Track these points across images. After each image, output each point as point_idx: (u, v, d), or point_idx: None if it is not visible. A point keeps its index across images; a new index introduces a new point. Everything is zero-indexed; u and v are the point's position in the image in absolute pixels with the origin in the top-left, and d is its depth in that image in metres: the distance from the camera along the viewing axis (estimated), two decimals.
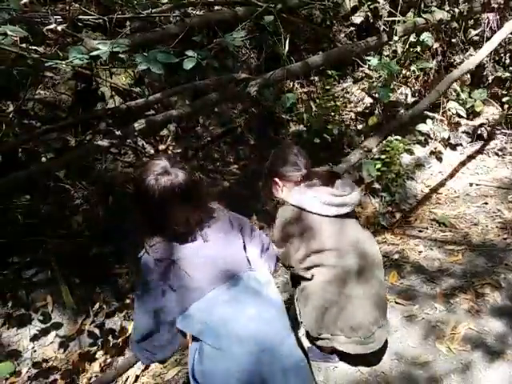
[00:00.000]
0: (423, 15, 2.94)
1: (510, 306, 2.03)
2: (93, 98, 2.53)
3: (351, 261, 1.57)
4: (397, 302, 2.17)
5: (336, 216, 1.55)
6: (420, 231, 2.87)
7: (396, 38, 2.74)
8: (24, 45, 1.86)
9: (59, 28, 1.62)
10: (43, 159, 2.30)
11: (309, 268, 1.59)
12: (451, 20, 3.13)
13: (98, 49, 1.72)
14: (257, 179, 3.12)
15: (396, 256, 2.58)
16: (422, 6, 3.63)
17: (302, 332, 1.96)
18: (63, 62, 1.65)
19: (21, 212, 2.27)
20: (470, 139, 3.67)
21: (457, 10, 3.07)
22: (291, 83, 3.62)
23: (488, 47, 2.99)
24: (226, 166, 3.18)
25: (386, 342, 1.79)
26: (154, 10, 2.15)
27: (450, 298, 2.13)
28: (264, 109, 3.37)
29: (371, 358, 1.78)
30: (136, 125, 2.13)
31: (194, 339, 1.22)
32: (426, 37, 3.22)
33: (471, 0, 3.35)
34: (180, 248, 1.24)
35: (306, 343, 1.94)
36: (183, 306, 1.22)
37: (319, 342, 1.69)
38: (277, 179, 1.64)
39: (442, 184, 3.35)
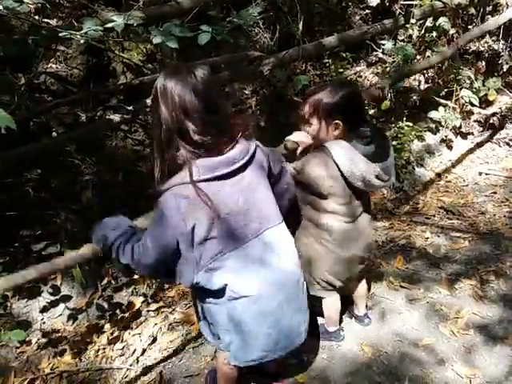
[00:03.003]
0: None
1: None
2: (104, 73, 2.51)
3: None
4: (401, 286, 2.19)
5: None
6: (427, 218, 2.87)
7: (413, 21, 2.68)
8: (36, 17, 1.86)
9: None
10: (54, 133, 2.31)
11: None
12: (469, 5, 3.06)
13: (113, 21, 1.71)
14: None
15: (402, 241, 2.59)
16: None
17: None
18: (78, 33, 1.64)
19: (31, 186, 2.30)
20: (481, 128, 3.64)
21: None
22: (304, 65, 3.58)
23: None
24: None
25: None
26: None
27: (455, 283, 2.15)
28: (276, 90, 3.34)
29: (375, 336, 1.81)
30: (148, 100, 2.13)
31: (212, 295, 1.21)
32: (442, 21, 3.17)
33: None
34: (213, 188, 1.10)
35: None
36: (206, 257, 1.15)
37: (323, 293, 1.73)
38: (340, 122, 1.46)
39: (451, 172, 3.33)
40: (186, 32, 1.81)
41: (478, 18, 3.74)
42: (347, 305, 1.96)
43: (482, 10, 3.61)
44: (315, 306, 1.75)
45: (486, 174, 3.25)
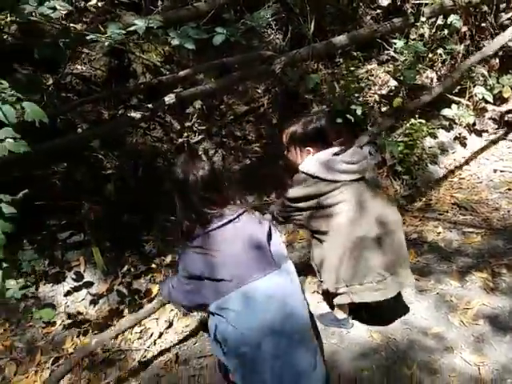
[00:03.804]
0: None
1: None
2: (125, 73, 2.65)
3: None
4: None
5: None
6: (440, 214, 2.89)
7: (423, 20, 2.72)
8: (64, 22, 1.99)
9: (99, 4, 1.72)
10: (79, 130, 2.45)
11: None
12: (481, 3, 3.08)
13: (135, 24, 1.83)
14: (278, 158, 3.21)
15: (414, 236, 2.63)
16: None
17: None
18: (103, 36, 1.77)
19: (58, 178, 2.44)
20: (496, 125, 3.62)
21: None
22: (315, 64, 3.65)
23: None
24: (248, 144, 3.26)
25: (400, 297, 1.93)
26: None
27: (466, 275, 2.18)
28: (287, 89, 3.42)
29: (383, 325, 1.86)
30: (166, 99, 2.25)
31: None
32: (453, 19, 3.19)
33: None
34: (216, 240, 1.37)
35: (320, 310, 2.05)
36: (218, 294, 1.36)
37: (338, 299, 1.77)
38: (310, 148, 1.74)
39: (464, 169, 3.33)
40: (201, 34, 1.92)
41: (491, 15, 3.74)
42: None
43: (494, 7, 3.61)
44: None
45: (501, 171, 3.24)
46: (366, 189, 1.73)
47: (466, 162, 3.38)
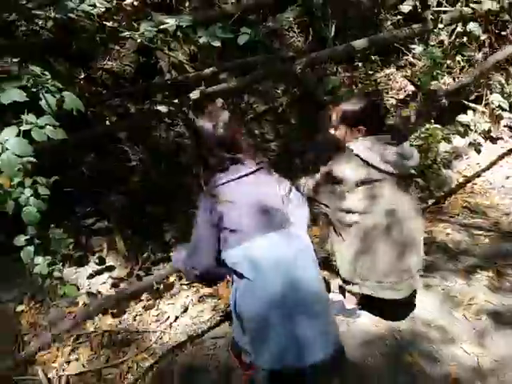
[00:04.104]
0: (471, 5, 2.97)
1: None
2: (152, 70, 2.80)
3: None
4: (419, 275, 2.30)
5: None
6: (451, 217, 2.95)
7: (441, 26, 2.80)
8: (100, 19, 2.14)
9: (136, 3, 1.87)
10: (107, 122, 2.60)
11: None
12: (500, 11, 3.13)
13: (166, 23, 1.97)
14: (294, 156, 3.31)
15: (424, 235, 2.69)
16: None
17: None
18: (136, 33, 1.91)
19: (86, 167, 2.60)
20: (511, 133, 3.66)
21: (507, 1, 3.07)
22: (335, 67, 3.75)
23: None
24: (266, 142, 3.38)
25: (415, 294, 1.98)
26: None
27: (471, 274, 2.25)
28: (307, 90, 3.52)
29: (389, 316, 1.95)
30: (191, 94, 2.38)
31: (235, 280, 1.43)
32: (473, 27, 3.24)
33: None
34: (232, 191, 1.40)
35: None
36: (230, 243, 1.39)
37: (350, 287, 1.88)
38: (362, 127, 1.72)
39: (478, 175, 3.38)
40: (227, 33, 2.04)
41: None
42: None
43: None
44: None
45: None
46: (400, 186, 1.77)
47: (480, 168, 3.43)
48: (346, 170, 1.70)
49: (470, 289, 2.15)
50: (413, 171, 1.84)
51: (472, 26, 3.23)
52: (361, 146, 1.68)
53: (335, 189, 1.74)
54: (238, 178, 1.42)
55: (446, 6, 3.35)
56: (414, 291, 1.95)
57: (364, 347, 1.86)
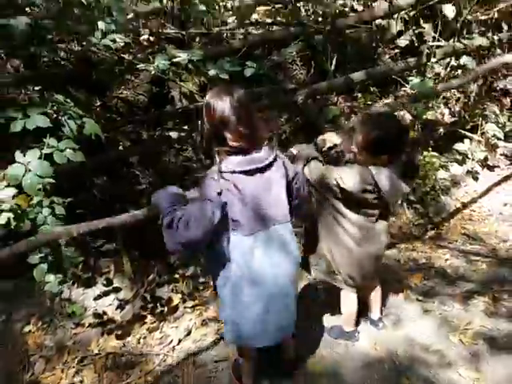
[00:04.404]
0: (463, 41, 3.15)
1: None
2: (164, 99, 2.97)
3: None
4: (418, 299, 2.36)
5: None
6: (450, 243, 3.02)
7: (434, 60, 2.96)
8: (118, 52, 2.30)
9: (151, 38, 2.03)
10: (121, 147, 2.74)
11: None
12: (491, 46, 3.30)
13: (178, 56, 2.13)
14: None
15: (423, 261, 2.77)
16: (465, 32, 3.85)
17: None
18: (151, 66, 2.07)
19: (98, 189, 2.70)
20: (508, 162, 3.77)
21: (496, 38, 3.24)
22: (336, 98, 3.92)
23: None
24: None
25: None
26: (222, 28, 2.54)
27: (469, 299, 2.31)
28: (309, 119, 3.68)
29: (388, 340, 2.01)
30: (200, 121, 2.52)
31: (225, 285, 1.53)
32: (466, 60, 3.40)
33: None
34: (237, 181, 1.38)
35: (330, 324, 2.20)
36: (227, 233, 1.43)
37: (343, 285, 1.95)
38: (385, 157, 1.64)
39: (476, 202, 3.47)
40: (234, 67, 2.20)
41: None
42: (364, 310, 2.16)
43: (507, 49, 3.82)
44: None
45: (511, 205, 3.36)
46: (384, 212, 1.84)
47: (478, 195, 3.52)
48: (350, 179, 1.66)
49: (467, 314, 2.20)
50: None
51: (465, 60, 3.39)
52: (378, 172, 1.65)
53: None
54: (253, 171, 1.39)
55: (440, 41, 3.53)
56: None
57: (363, 370, 1.91)
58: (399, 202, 1.78)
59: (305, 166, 1.74)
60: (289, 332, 1.71)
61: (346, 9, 4.20)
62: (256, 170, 1.40)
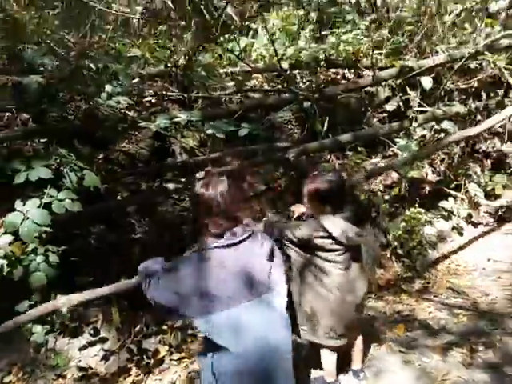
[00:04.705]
0: (442, 108, 3.47)
1: (498, 363, 2.26)
2: (165, 154, 3.22)
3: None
4: (400, 351, 2.45)
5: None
6: (435, 296, 3.12)
7: (415, 125, 3.25)
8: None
9: (153, 100, 2.32)
10: (119, 197, 2.91)
11: None
12: (469, 113, 3.62)
13: (179, 117, 2.41)
14: None
15: (407, 313, 2.86)
16: (447, 99, 4.22)
17: None
18: (153, 124, 2.33)
19: (94, 238, 2.77)
20: (492, 219, 3.95)
21: (473, 106, 3.57)
22: (329, 155, 4.20)
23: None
24: (265, 217, 3.68)
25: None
26: (221, 93, 2.87)
27: (447, 351, 2.39)
28: (302, 174, 3.92)
29: None
30: (197, 175, 2.75)
31: (208, 345, 1.50)
32: (446, 125, 3.70)
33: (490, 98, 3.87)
34: (213, 259, 1.49)
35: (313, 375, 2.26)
36: (207, 310, 1.45)
37: (326, 340, 2.04)
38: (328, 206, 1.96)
39: (461, 257, 3.61)
40: (230, 127, 2.46)
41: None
42: (346, 361, 2.22)
43: (486, 115, 4.15)
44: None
45: (494, 261, 3.49)
46: (354, 259, 2.03)
47: (463, 250, 3.66)
48: (303, 229, 1.95)
49: (445, 365, 2.27)
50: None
51: (446, 125, 3.69)
52: (326, 219, 1.93)
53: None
54: (230, 244, 1.51)
55: (424, 107, 3.87)
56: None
57: None
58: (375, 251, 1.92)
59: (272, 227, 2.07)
60: None
61: (338, 76, 4.65)
62: (233, 244, 1.52)
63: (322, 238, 1.92)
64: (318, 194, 1.98)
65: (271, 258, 1.59)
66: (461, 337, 2.50)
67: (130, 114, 3.00)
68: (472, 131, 3.24)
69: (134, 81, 2.56)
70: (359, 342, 2.21)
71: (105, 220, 2.88)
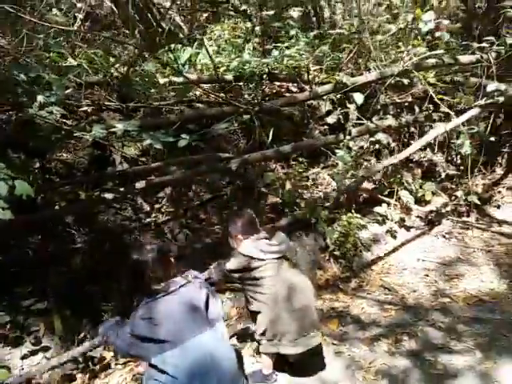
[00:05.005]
0: (374, 121, 3.76)
1: (419, 350, 2.49)
2: (105, 163, 3.23)
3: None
4: (332, 343, 2.62)
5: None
6: (368, 293, 3.34)
7: (348, 137, 3.51)
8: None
9: (89, 110, 2.36)
10: (57, 207, 2.88)
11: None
12: (399, 127, 3.94)
13: (115, 127, 2.45)
14: None
15: (342, 309, 3.05)
16: (382, 113, 4.57)
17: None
18: (88, 134, 2.36)
19: (31, 248, 2.73)
20: (422, 223, 4.28)
21: (403, 119, 3.90)
22: (274, 165, 4.38)
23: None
24: (211, 226, 3.76)
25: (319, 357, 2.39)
26: (161, 103, 2.95)
27: (375, 341, 2.59)
28: (248, 183, 4.06)
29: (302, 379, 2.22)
30: (137, 184, 2.80)
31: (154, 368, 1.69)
32: (381, 137, 4.01)
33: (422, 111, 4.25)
34: (159, 306, 1.73)
35: (251, 369, 2.37)
36: (160, 350, 1.68)
37: (268, 348, 2.18)
38: (240, 236, 2.25)
39: (393, 257, 3.87)
40: (168, 138, 2.53)
41: (418, 134, 4.67)
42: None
43: (419, 128, 4.54)
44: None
45: (423, 261, 3.78)
46: (285, 264, 2.24)
47: (395, 252, 3.94)
48: (232, 264, 2.23)
49: (372, 354, 2.47)
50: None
51: (380, 137, 4.00)
52: (243, 246, 2.22)
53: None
54: (172, 291, 1.76)
55: (362, 120, 4.16)
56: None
57: None
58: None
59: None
60: None
61: (283, 90, 4.89)
62: (174, 290, 1.77)
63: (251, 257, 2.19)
64: (233, 233, 2.30)
65: (207, 298, 1.83)
66: (388, 329, 2.71)
67: (68, 123, 2.99)
68: (401, 156, 3.58)
69: (69, 90, 2.57)
70: None
71: (41, 230, 2.84)
